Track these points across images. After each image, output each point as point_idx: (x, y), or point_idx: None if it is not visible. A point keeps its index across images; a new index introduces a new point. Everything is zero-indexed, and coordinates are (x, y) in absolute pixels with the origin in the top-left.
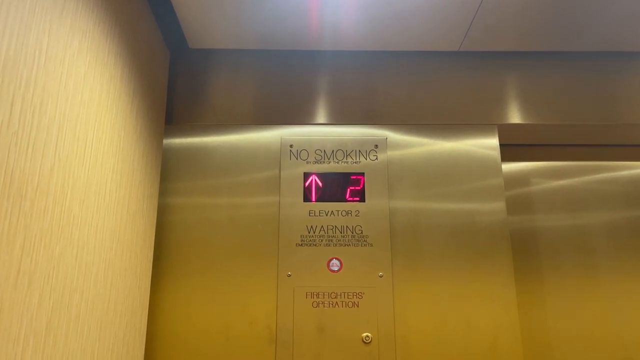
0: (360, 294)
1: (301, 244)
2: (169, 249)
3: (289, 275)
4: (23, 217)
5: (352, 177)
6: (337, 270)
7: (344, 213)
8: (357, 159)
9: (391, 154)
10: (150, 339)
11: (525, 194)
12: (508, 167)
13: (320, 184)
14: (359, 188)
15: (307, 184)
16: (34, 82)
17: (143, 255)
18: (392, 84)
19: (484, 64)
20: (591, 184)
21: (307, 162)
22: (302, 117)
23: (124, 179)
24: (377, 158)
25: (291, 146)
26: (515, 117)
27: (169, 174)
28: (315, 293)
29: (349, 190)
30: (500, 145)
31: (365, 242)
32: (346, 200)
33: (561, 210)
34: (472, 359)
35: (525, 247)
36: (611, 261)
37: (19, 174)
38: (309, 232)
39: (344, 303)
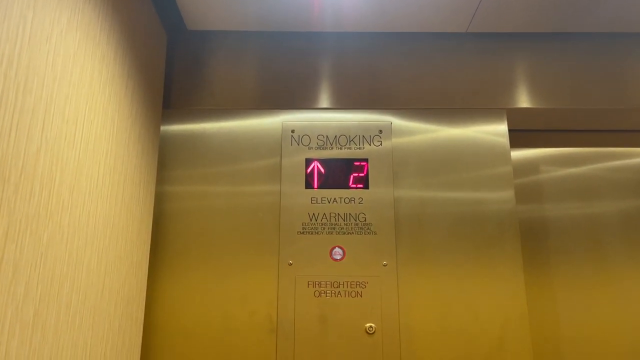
0: (363, 283)
1: (303, 232)
2: (167, 238)
3: (290, 264)
4: (6, 201)
5: (355, 164)
6: (340, 259)
7: (347, 200)
8: (361, 145)
9: (396, 140)
10: (148, 330)
11: (535, 182)
12: (517, 154)
13: (322, 170)
14: (362, 175)
15: (309, 170)
16: (17, 59)
17: (140, 242)
18: (397, 67)
19: (492, 45)
20: (603, 171)
21: (309, 148)
22: (303, 101)
23: (118, 163)
24: (381, 144)
25: (293, 131)
26: (524, 101)
27: (167, 162)
28: (317, 282)
29: (352, 176)
30: (509, 130)
31: (368, 230)
32: (349, 187)
33: (571, 198)
34: (479, 349)
35: (534, 237)
36: (623, 251)
37: (0, 156)
38: (311, 220)
39: (346, 292)
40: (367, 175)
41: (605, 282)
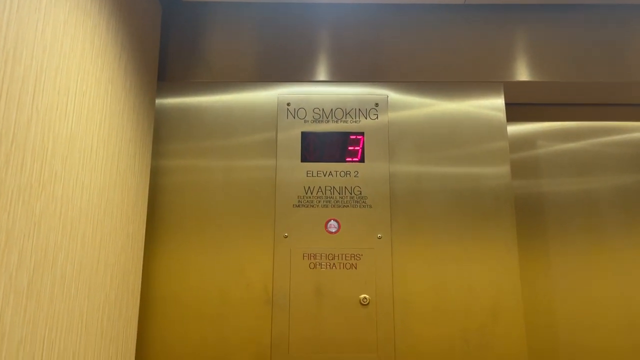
0: (358, 255)
1: (298, 205)
2: (163, 212)
3: (286, 237)
4: None
5: (351, 137)
6: (335, 232)
7: (342, 173)
8: (357, 118)
9: (392, 115)
10: (145, 302)
11: (531, 158)
12: (514, 128)
13: (318, 143)
14: (358, 148)
15: (304, 143)
16: (5, 27)
17: (135, 215)
18: (394, 39)
19: (491, 17)
20: (600, 146)
21: (305, 121)
22: (300, 74)
23: (113, 135)
24: (377, 117)
25: (288, 104)
26: (522, 74)
27: (162, 135)
28: (312, 254)
29: (348, 150)
30: (506, 104)
31: (364, 203)
32: (345, 161)
33: (568, 174)
34: (472, 322)
35: (530, 212)
36: (619, 227)
37: None
38: (307, 193)
39: (341, 264)
40: (362, 148)
41: (601, 257)
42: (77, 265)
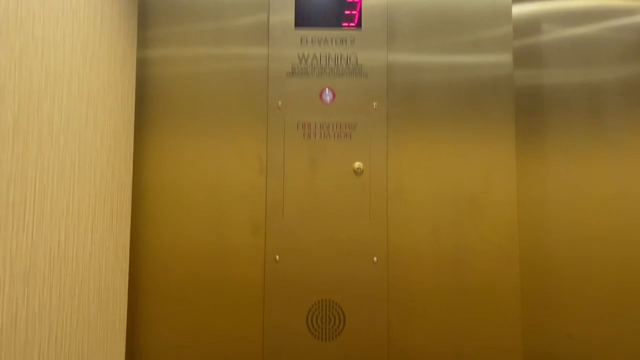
0: (353, 124)
1: (292, 74)
2: (152, 103)
3: (280, 107)
4: None
5: (348, 1)
6: (330, 101)
7: (338, 41)
8: None
9: None
10: (139, 191)
11: (535, 45)
12: (518, 9)
13: (312, 7)
14: (355, 12)
15: (299, 7)
16: None
17: (124, 77)
18: None
19: None
20: (607, 31)
21: None
22: None
23: None
24: None
25: None
26: None
27: (148, 22)
28: (306, 124)
29: (344, 14)
30: None
31: (359, 72)
32: (341, 27)
33: (572, 63)
34: (465, 191)
35: (530, 104)
36: (622, 121)
37: None
38: (301, 62)
39: (336, 134)
40: (360, 13)
41: (601, 152)
42: (65, 116)
